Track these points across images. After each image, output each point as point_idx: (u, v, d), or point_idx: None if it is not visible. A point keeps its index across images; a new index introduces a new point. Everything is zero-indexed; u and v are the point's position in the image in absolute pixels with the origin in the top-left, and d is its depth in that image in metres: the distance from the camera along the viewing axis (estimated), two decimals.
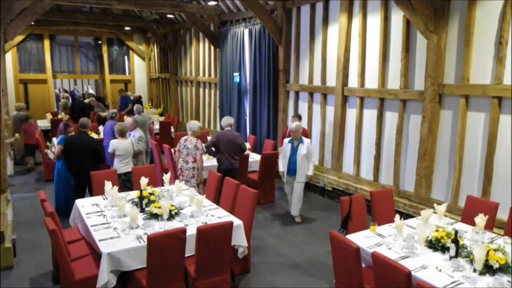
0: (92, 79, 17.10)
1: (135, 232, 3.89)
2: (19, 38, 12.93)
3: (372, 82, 6.62)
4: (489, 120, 4.96)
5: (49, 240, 3.83)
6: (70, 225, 4.85)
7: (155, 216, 4.15)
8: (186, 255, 3.73)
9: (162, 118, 12.56)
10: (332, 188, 7.39)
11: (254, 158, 7.57)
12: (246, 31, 9.56)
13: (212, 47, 11.42)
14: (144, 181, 4.90)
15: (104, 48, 15.53)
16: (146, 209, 4.41)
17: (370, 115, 6.74)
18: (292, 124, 6.26)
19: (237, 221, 4.20)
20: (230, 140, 6.38)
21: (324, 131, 7.74)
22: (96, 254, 3.86)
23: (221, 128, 6.95)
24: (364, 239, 3.81)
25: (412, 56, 5.93)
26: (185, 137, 6.10)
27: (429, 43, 5.45)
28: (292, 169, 6.08)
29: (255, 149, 8.59)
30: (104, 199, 4.92)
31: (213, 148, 6.46)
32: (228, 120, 6.67)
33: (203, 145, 6.11)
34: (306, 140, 6.11)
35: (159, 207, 4.19)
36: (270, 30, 8.31)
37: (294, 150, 6.07)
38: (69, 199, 6.14)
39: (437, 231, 3.66)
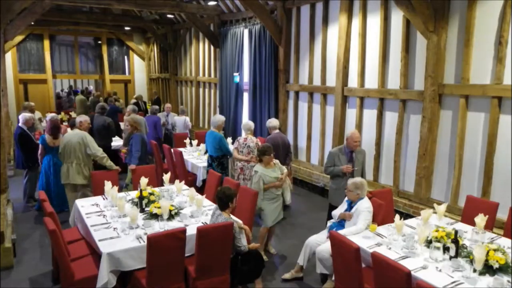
0: (92, 79, 17.08)
1: (135, 232, 3.89)
2: (19, 38, 12.92)
3: (372, 82, 6.62)
4: (489, 120, 4.96)
5: (49, 240, 3.83)
6: (70, 225, 4.86)
7: (155, 216, 4.15)
8: (186, 255, 3.73)
9: None
10: None
11: None
12: (246, 31, 9.55)
13: (212, 47, 11.42)
14: (144, 181, 4.90)
15: (104, 48, 15.52)
16: (146, 209, 4.41)
17: (370, 115, 6.74)
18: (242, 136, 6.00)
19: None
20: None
21: (324, 131, 7.74)
22: (96, 254, 3.86)
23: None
24: (364, 239, 3.82)
25: (412, 56, 5.92)
26: (243, 136, 6.13)
27: (429, 43, 5.45)
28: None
29: None
30: (104, 199, 4.92)
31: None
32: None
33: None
34: (365, 201, 4.18)
35: (159, 207, 4.19)
36: (270, 30, 8.31)
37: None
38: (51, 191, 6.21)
39: (437, 231, 3.66)
